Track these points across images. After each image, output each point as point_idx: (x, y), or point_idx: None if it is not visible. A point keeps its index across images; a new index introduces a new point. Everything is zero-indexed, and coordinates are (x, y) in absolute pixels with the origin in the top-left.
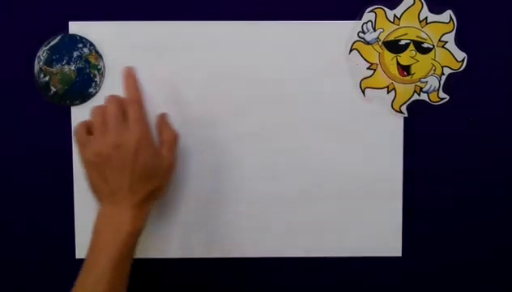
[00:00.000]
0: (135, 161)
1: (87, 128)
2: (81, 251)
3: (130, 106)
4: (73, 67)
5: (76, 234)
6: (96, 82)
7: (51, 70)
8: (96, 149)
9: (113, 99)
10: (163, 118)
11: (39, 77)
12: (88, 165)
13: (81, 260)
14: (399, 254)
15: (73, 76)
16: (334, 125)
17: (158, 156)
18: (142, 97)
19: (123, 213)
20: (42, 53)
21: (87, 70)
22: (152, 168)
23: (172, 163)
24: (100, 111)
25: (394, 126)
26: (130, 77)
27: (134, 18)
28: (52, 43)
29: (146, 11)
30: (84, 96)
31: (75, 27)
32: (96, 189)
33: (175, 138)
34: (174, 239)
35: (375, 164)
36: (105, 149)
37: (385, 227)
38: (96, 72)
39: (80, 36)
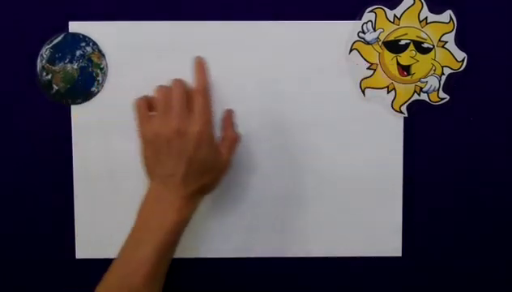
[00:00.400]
0: (195, 153)
1: (149, 104)
2: (81, 251)
3: (198, 96)
4: (75, 66)
5: (76, 234)
6: (98, 81)
7: (53, 68)
8: (156, 129)
9: (180, 84)
10: (229, 116)
11: (41, 75)
12: (145, 141)
13: (81, 260)
14: (399, 254)
15: (75, 75)
16: (335, 125)
17: (217, 153)
18: (209, 89)
19: (172, 201)
20: (45, 52)
21: (90, 69)
22: (209, 163)
23: (228, 162)
24: (165, 92)
25: (394, 126)
26: (201, 67)
27: (134, 18)
28: (55, 41)
29: (146, 11)
30: (86, 95)
31: (75, 27)
32: (148, 166)
33: (237, 139)
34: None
35: (375, 164)
36: (166, 132)
37: (385, 227)
38: (98, 71)
39: (83, 35)
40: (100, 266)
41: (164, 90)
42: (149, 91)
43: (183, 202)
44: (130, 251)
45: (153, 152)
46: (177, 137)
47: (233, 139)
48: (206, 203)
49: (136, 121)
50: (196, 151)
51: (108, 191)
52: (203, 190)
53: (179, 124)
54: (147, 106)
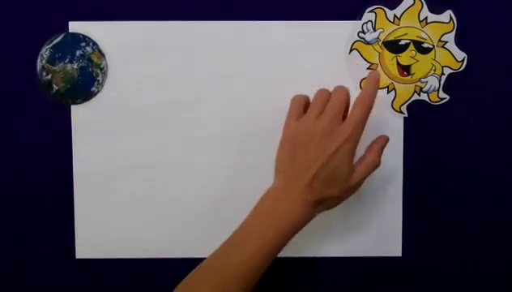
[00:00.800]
0: (330, 159)
1: (305, 103)
2: (81, 251)
3: (360, 107)
4: (75, 66)
5: (76, 233)
6: (98, 81)
7: (53, 68)
8: (302, 129)
9: (342, 93)
10: (381, 140)
11: (41, 75)
12: (287, 137)
13: (81, 260)
14: (399, 254)
15: (75, 75)
16: None
17: (350, 169)
18: (372, 104)
19: (293, 203)
20: (45, 52)
21: (90, 69)
22: (340, 175)
23: (357, 183)
24: (324, 96)
25: (394, 126)
26: (375, 81)
27: (134, 18)
28: (55, 41)
29: (146, 11)
30: (86, 95)
31: (75, 27)
32: (280, 161)
33: (375, 164)
34: (173, 239)
35: None
36: (311, 133)
37: (385, 227)
38: (98, 71)
39: (83, 35)
40: (100, 266)
41: (324, 94)
42: (149, 91)
43: (304, 206)
44: (236, 244)
45: (291, 149)
46: (319, 139)
47: (372, 162)
48: (205, 203)
49: (287, 114)
50: (332, 157)
51: (108, 191)
52: (325, 202)
53: (326, 128)
54: (302, 105)
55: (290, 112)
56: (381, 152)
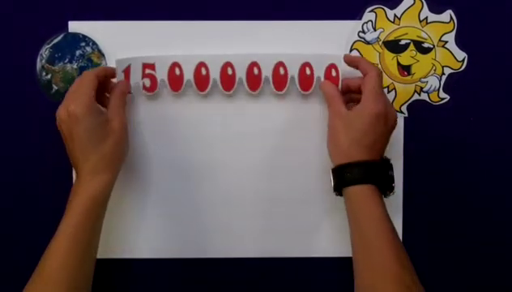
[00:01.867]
0: (77, 129)
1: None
2: None
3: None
4: (75, 66)
5: None
6: None
7: (53, 68)
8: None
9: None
10: (117, 85)
11: (41, 75)
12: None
13: None
14: None
15: (75, 75)
16: None
17: (103, 121)
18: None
19: (80, 181)
20: (44, 52)
21: (90, 69)
22: (97, 133)
23: (121, 124)
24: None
25: (398, 126)
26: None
27: (134, 18)
28: (54, 41)
29: (146, 11)
30: None
31: (75, 27)
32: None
33: (121, 95)
34: (173, 239)
35: None
36: (58, 122)
37: None
38: None
39: (83, 35)
40: (100, 266)
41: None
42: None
43: (89, 177)
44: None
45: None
46: (66, 119)
47: (117, 95)
48: (205, 203)
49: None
50: (78, 126)
51: None
52: (109, 160)
53: (63, 108)
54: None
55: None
56: (119, 83)
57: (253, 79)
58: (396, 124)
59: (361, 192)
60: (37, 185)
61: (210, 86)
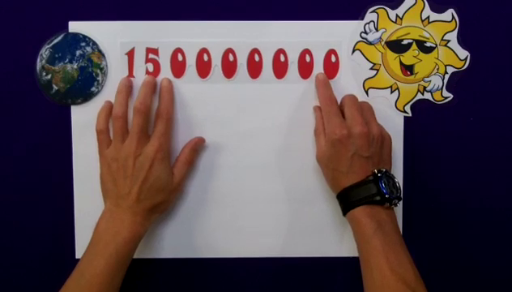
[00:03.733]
0: (149, 172)
1: (107, 126)
2: (81, 251)
3: (160, 121)
4: (75, 66)
5: (76, 234)
6: (98, 81)
7: (53, 68)
8: (114, 154)
9: (143, 109)
10: (194, 141)
11: (41, 75)
12: (104, 165)
13: None
14: None
15: (75, 75)
16: None
17: (169, 174)
18: (172, 114)
19: (125, 218)
20: (44, 52)
21: (90, 69)
22: (162, 183)
23: (179, 183)
24: (121, 117)
25: (398, 126)
26: (168, 92)
27: (134, 18)
28: (55, 41)
29: (146, 11)
30: (86, 96)
31: (75, 27)
32: (105, 188)
33: (188, 162)
34: (173, 239)
35: None
36: (124, 156)
37: None
38: (98, 71)
39: (83, 35)
40: None
41: (122, 117)
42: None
43: (136, 218)
44: (85, 265)
45: (110, 175)
46: (134, 160)
47: (185, 161)
48: (205, 203)
49: (98, 145)
50: (149, 171)
51: None
52: (157, 209)
53: (136, 148)
54: (107, 131)
55: (99, 142)
56: (194, 151)
57: (254, 66)
58: (367, 138)
59: (351, 217)
60: (37, 185)
61: (211, 72)
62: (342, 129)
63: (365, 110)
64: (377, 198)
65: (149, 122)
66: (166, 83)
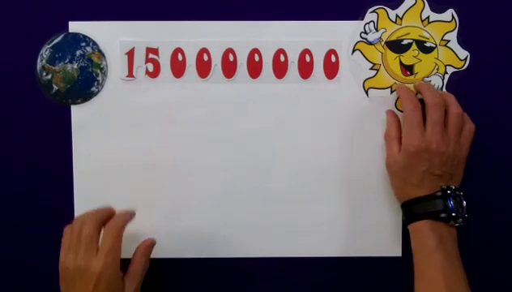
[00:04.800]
0: (95, 289)
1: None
2: None
3: (109, 234)
4: (75, 66)
5: None
6: (98, 81)
7: (53, 68)
8: (65, 264)
9: (91, 220)
10: (143, 246)
11: (41, 75)
12: (61, 274)
13: None
14: (399, 254)
15: (75, 75)
16: (338, 126)
17: (121, 285)
18: (122, 230)
19: None
20: (45, 52)
21: (90, 69)
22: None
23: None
24: (75, 229)
25: None
26: (126, 211)
27: (134, 18)
28: (55, 41)
29: (146, 11)
30: (86, 95)
31: (75, 27)
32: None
33: (142, 269)
34: (173, 239)
35: (377, 164)
36: (72, 268)
37: (385, 227)
38: (98, 71)
39: (83, 35)
40: None
41: (77, 226)
42: (149, 91)
43: None
44: None
45: (65, 285)
46: (79, 275)
47: (137, 270)
48: (205, 203)
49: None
50: (97, 286)
51: (108, 191)
52: None
53: (82, 260)
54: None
55: (62, 250)
56: (146, 255)
57: (254, 66)
58: (442, 156)
59: (413, 228)
60: (37, 185)
61: (211, 72)
62: (421, 142)
63: (451, 125)
64: (443, 215)
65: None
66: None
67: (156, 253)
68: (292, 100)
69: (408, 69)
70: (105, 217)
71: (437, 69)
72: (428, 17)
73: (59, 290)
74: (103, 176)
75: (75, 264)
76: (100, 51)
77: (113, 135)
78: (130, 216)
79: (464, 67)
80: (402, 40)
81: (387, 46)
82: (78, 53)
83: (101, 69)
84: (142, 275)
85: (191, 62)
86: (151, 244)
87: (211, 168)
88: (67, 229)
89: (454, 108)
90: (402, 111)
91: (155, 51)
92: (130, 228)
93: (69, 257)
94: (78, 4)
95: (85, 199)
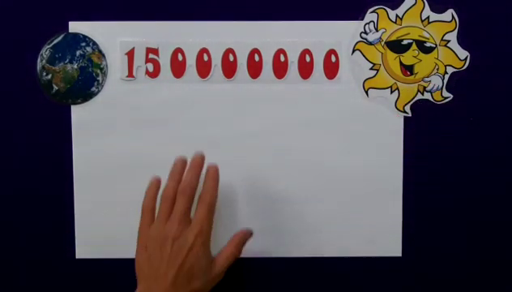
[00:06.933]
0: (187, 257)
1: (154, 205)
2: (81, 251)
3: (202, 206)
4: (75, 66)
5: (76, 234)
6: (98, 81)
7: (53, 68)
8: (154, 234)
9: (188, 192)
10: (239, 235)
11: (41, 75)
12: (141, 244)
13: (81, 260)
14: (399, 254)
15: (75, 75)
16: (338, 126)
17: (209, 262)
18: (215, 200)
19: None
20: (45, 52)
21: (90, 69)
22: (200, 270)
23: (220, 274)
24: (170, 199)
25: (398, 126)
26: (214, 179)
27: (134, 18)
28: (55, 41)
29: (146, 11)
30: (86, 96)
31: (75, 27)
32: (139, 268)
33: (233, 254)
34: None
35: (377, 164)
36: (162, 238)
37: (385, 227)
38: (98, 71)
39: (83, 35)
40: (100, 266)
41: (172, 200)
42: (149, 91)
43: None
44: None
45: (146, 254)
46: (172, 241)
47: (231, 254)
48: None
49: (140, 223)
50: (187, 255)
51: (108, 191)
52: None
53: (176, 230)
54: (152, 210)
55: (142, 220)
56: (242, 245)
57: (254, 66)
58: None
59: None
60: (37, 185)
61: (211, 72)
62: None
63: None
64: None
65: (193, 205)
66: (213, 170)
67: None
68: (292, 100)
69: (408, 69)
70: (195, 189)
71: (437, 69)
72: (428, 17)
73: (59, 290)
74: (103, 176)
75: (168, 233)
76: (100, 51)
77: (113, 135)
78: (217, 189)
79: (464, 67)
80: (402, 40)
81: (387, 46)
82: (78, 53)
83: (101, 69)
84: (231, 263)
85: (191, 62)
86: (248, 233)
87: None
88: (148, 206)
89: None
90: (402, 111)
91: (155, 51)
92: (129, 228)
93: (158, 229)
94: (78, 4)
95: (85, 199)
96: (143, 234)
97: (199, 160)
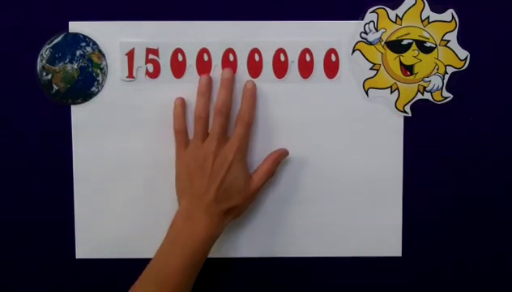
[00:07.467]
0: (228, 173)
1: (185, 126)
2: (81, 251)
3: (241, 124)
4: (75, 66)
5: (76, 234)
6: (98, 81)
7: (53, 68)
8: (193, 154)
9: (224, 111)
10: (276, 153)
11: (41, 75)
12: (181, 164)
13: (81, 260)
14: (399, 254)
15: (75, 75)
16: (338, 126)
17: (247, 178)
18: (253, 118)
19: (202, 219)
20: (45, 52)
21: (90, 69)
22: (239, 186)
23: (257, 190)
24: (204, 119)
25: (398, 126)
26: (252, 96)
27: (134, 18)
28: (55, 41)
29: (146, 11)
30: (86, 95)
31: (75, 27)
32: (181, 187)
33: (269, 172)
34: None
35: (377, 164)
36: (203, 156)
37: (385, 227)
38: (98, 71)
39: (83, 35)
40: (100, 266)
41: (205, 118)
42: (149, 91)
43: (212, 219)
44: (161, 263)
45: (187, 174)
46: (213, 158)
47: (267, 170)
48: None
49: (176, 145)
50: (228, 171)
51: (108, 191)
52: (230, 212)
53: (216, 147)
54: (185, 133)
55: (177, 143)
56: (277, 163)
57: (254, 66)
58: None
59: None
60: (37, 185)
61: (212, 72)
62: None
63: None
64: None
65: (229, 123)
66: (251, 86)
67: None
68: (292, 99)
69: (408, 69)
70: (230, 107)
71: (437, 69)
72: (428, 17)
73: (59, 290)
74: (103, 176)
75: (208, 151)
76: (100, 51)
77: (113, 135)
78: (255, 106)
79: (464, 67)
80: (402, 40)
81: (387, 46)
82: (78, 53)
83: (101, 69)
84: (267, 179)
85: (191, 62)
86: (284, 152)
87: None
88: (181, 127)
89: None
90: (402, 111)
91: (155, 51)
92: (129, 228)
93: (197, 147)
94: (78, 4)
95: (85, 199)
96: (181, 155)
97: (230, 77)
